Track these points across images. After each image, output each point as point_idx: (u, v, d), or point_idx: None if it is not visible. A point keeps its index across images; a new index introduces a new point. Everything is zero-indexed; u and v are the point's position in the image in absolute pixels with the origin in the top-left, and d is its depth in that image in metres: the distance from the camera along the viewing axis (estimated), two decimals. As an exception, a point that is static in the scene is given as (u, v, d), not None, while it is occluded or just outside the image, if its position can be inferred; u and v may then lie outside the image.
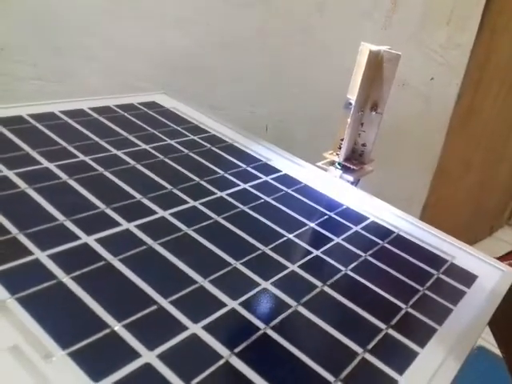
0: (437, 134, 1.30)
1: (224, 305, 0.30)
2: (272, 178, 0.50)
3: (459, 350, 0.31)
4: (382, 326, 0.32)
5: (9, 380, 0.23)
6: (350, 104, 0.51)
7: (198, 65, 0.74)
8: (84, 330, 0.26)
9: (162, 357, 0.26)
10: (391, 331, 0.31)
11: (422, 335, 0.32)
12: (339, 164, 0.53)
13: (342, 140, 0.53)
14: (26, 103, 0.52)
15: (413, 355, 0.29)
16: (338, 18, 0.84)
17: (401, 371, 0.27)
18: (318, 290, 0.34)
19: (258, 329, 0.29)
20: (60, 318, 0.27)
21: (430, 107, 1.19)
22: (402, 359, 0.28)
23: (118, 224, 0.36)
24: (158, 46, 0.69)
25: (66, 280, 0.30)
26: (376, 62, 0.49)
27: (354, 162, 0.53)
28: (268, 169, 0.52)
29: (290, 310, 0.31)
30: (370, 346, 0.29)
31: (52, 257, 0.31)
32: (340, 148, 0.53)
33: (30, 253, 0.31)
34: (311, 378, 0.26)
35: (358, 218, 0.46)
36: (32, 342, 0.25)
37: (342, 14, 0.84)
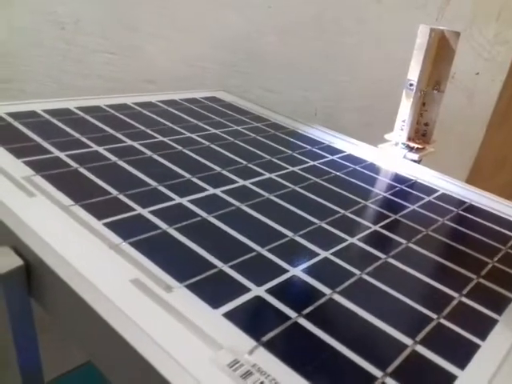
0: (477, 131, 1.29)
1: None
2: (338, 157, 0.51)
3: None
4: (455, 294, 0.32)
5: (137, 306, 0.24)
6: (412, 84, 0.52)
7: (256, 47, 0.76)
8: (195, 268, 0.28)
9: (270, 291, 0.27)
10: (464, 300, 0.32)
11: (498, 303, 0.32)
12: (403, 144, 0.54)
13: (404, 121, 0.54)
14: (105, 96, 0.55)
15: (474, 348, 0.26)
16: (393, 8, 0.86)
17: (461, 365, 0.24)
18: (403, 246, 0.35)
19: (338, 305, 0.30)
20: (171, 258, 0.29)
21: (473, 102, 1.19)
22: (460, 351, 0.25)
23: (205, 189, 0.38)
24: (219, 26, 0.71)
25: (170, 230, 0.31)
26: (436, 41, 0.50)
27: (418, 141, 0.54)
28: (332, 150, 0.53)
29: (354, 278, 0.32)
30: (420, 338, 0.29)
31: (153, 212, 0.33)
32: (402, 129, 0.54)
33: (133, 209, 0.33)
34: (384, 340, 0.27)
35: (428, 190, 0.47)
36: (151, 277, 0.27)
37: (397, 5, 0.86)
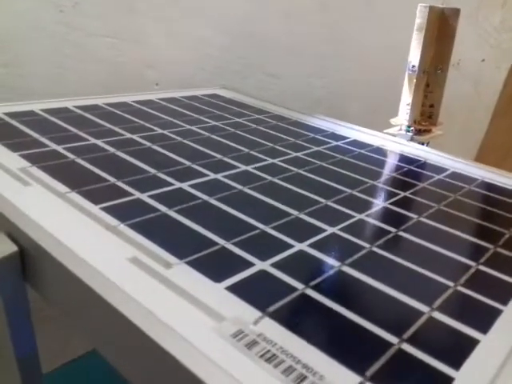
0: (482, 118, 1.27)
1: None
2: (343, 143, 0.50)
3: None
4: (472, 263, 0.31)
5: (135, 282, 0.23)
6: (414, 66, 0.51)
7: (260, 32, 0.75)
8: (196, 246, 0.27)
9: (275, 265, 0.26)
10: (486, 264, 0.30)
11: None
12: (408, 127, 0.53)
13: (408, 104, 0.53)
14: (101, 95, 0.54)
15: (496, 313, 0.24)
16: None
17: (483, 330, 0.22)
18: (414, 220, 0.34)
19: (331, 266, 0.29)
20: (170, 237, 0.27)
21: (478, 90, 1.17)
22: (480, 316, 0.23)
23: (205, 175, 0.37)
24: (222, 10, 0.70)
25: (170, 212, 0.30)
26: (436, 20, 0.49)
27: (424, 123, 0.53)
28: (336, 136, 0.52)
29: (363, 251, 0.30)
30: (437, 305, 0.27)
31: (152, 197, 0.32)
32: (407, 113, 0.53)
33: (131, 194, 0.32)
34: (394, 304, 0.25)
35: (438, 169, 0.45)
36: (149, 255, 0.25)
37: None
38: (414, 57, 0.51)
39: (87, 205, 0.30)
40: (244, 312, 0.22)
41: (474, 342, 0.22)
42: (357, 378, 0.19)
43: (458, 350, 0.21)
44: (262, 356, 0.19)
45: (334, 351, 0.20)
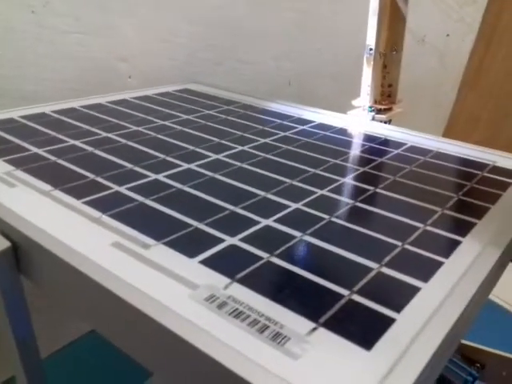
0: (450, 91, 1.31)
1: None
2: (308, 127, 0.53)
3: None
4: (420, 224, 0.34)
5: (118, 263, 0.26)
6: (371, 49, 0.54)
7: (228, 19, 0.77)
8: (171, 228, 0.30)
9: (244, 240, 0.29)
10: (429, 228, 0.34)
11: (461, 228, 0.34)
12: (370, 107, 0.56)
13: (369, 85, 0.56)
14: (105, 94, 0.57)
15: (437, 265, 0.27)
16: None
17: (425, 279, 0.26)
18: (371, 192, 0.37)
19: (293, 237, 0.32)
20: (147, 222, 0.30)
21: (444, 64, 1.21)
22: (423, 268, 0.27)
23: (179, 165, 0.40)
24: (193, 3, 0.72)
25: (147, 201, 0.33)
26: (388, 4, 0.52)
27: (384, 102, 0.56)
28: (302, 121, 0.55)
29: (323, 222, 0.34)
30: (386, 260, 0.31)
31: (130, 189, 0.35)
32: (368, 93, 0.56)
33: (110, 188, 0.35)
34: (348, 265, 0.29)
35: (397, 145, 0.49)
36: (129, 239, 0.28)
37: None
38: (371, 40, 0.54)
39: (70, 200, 0.33)
40: (215, 280, 0.25)
41: (415, 290, 0.25)
42: (311, 325, 0.22)
43: (400, 297, 0.24)
44: (230, 313, 0.22)
45: (293, 305, 0.23)
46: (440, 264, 0.28)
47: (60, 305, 0.29)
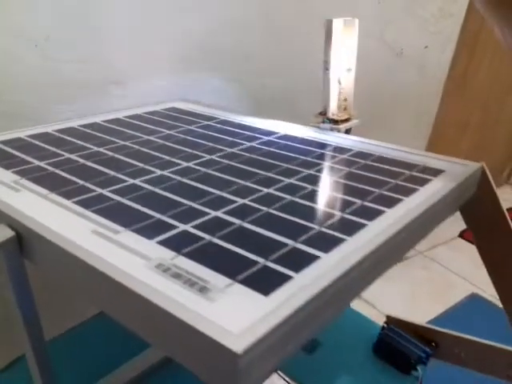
0: (432, 100, 1.38)
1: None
2: (273, 137, 0.61)
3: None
4: (338, 212, 0.42)
5: (95, 244, 0.34)
6: (327, 69, 0.63)
7: (211, 44, 0.86)
8: (138, 219, 0.38)
9: (195, 226, 0.37)
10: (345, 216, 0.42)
11: (373, 214, 0.42)
12: (328, 119, 0.64)
13: (326, 99, 0.64)
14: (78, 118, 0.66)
15: (340, 241, 0.38)
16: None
17: (326, 251, 0.33)
18: (309, 189, 0.45)
19: (233, 223, 0.40)
20: (121, 215, 0.39)
21: (424, 74, 1.29)
22: (329, 244, 0.34)
23: (154, 172, 0.48)
24: (178, 30, 0.81)
25: (123, 200, 0.42)
26: (340, 29, 0.61)
27: (340, 115, 0.64)
28: (270, 132, 0.63)
29: (262, 212, 0.42)
30: (302, 239, 0.38)
31: (111, 191, 0.44)
32: (326, 107, 0.64)
33: (95, 191, 0.44)
34: (270, 244, 0.37)
35: (344, 150, 0.57)
36: (104, 228, 0.37)
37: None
38: (326, 59, 0.63)
39: (63, 201, 0.42)
40: (166, 254, 0.33)
41: (316, 258, 0.33)
42: (230, 281, 0.30)
43: (303, 263, 0.32)
44: (172, 275, 0.31)
45: (220, 269, 0.31)
46: (343, 240, 0.35)
47: (58, 283, 0.37)
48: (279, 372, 0.61)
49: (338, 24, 0.61)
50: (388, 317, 0.69)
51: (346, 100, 0.64)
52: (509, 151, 2.37)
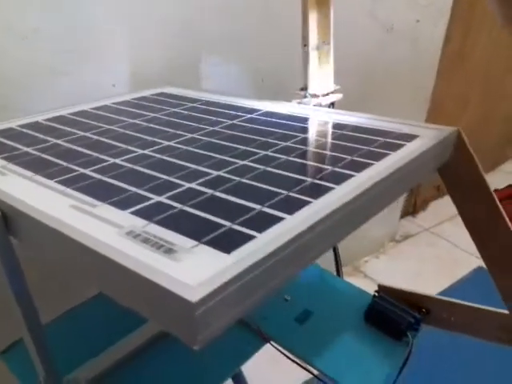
0: (426, 74, 1.38)
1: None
2: (256, 114, 0.63)
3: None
4: (308, 179, 0.43)
5: (74, 218, 0.36)
6: (305, 45, 0.64)
7: (199, 30, 0.88)
8: (115, 193, 0.40)
9: (168, 197, 0.39)
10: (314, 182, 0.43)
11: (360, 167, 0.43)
12: (310, 94, 0.65)
13: (307, 75, 0.65)
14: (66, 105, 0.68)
15: (306, 204, 0.40)
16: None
17: (290, 213, 0.35)
18: (283, 159, 0.47)
19: (205, 193, 0.42)
20: (100, 192, 0.41)
21: (417, 48, 1.28)
22: (294, 207, 0.36)
23: (135, 152, 0.50)
24: (164, 18, 0.83)
25: (104, 178, 0.44)
26: (314, 3, 0.62)
27: (321, 89, 0.65)
28: (253, 110, 0.65)
29: (234, 182, 0.43)
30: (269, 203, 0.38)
31: (93, 170, 0.46)
32: (307, 83, 0.65)
33: (77, 170, 0.46)
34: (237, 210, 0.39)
35: (323, 123, 0.58)
36: (83, 202, 0.39)
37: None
38: (303, 35, 0.64)
39: (46, 181, 0.44)
40: (138, 223, 0.35)
41: (280, 220, 0.35)
42: (195, 243, 0.32)
43: (267, 224, 0.34)
44: (142, 241, 0.33)
45: (187, 233, 0.33)
46: (308, 203, 0.37)
47: (51, 268, 0.40)
48: (272, 342, 0.63)
49: (313, -1, 0.62)
50: (380, 285, 0.70)
51: (326, 74, 0.65)
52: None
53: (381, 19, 1.16)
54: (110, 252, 0.31)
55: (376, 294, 0.69)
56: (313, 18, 0.62)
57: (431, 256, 1.76)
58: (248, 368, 0.85)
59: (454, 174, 0.54)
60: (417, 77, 1.34)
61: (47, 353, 0.50)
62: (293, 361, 0.62)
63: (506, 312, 0.59)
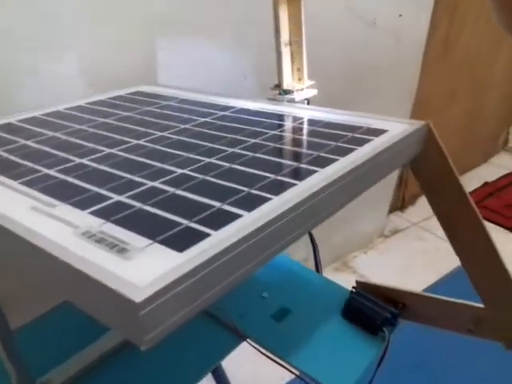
0: (410, 68, 1.38)
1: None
2: (229, 112, 0.62)
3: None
4: (271, 175, 0.43)
5: (34, 219, 0.36)
6: (278, 39, 0.63)
7: (178, 22, 0.88)
8: (77, 194, 0.40)
9: (129, 197, 0.39)
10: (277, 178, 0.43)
11: (326, 162, 0.43)
12: (283, 91, 0.65)
13: (280, 71, 0.65)
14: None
15: (265, 200, 0.39)
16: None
17: (249, 210, 0.35)
18: (249, 156, 0.46)
19: (167, 191, 0.42)
20: (62, 192, 0.40)
21: (400, 42, 1.28)
22: (254, 204, 0.36)
23: (103, 151, 0.50)
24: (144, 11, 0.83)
25: (68, 178, 0.43)
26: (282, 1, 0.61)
27: (294, 85, 0.65)
28: (226, 108, 0.64)
29: (198, 180, 0.43)
30: (229, 200, 0.38)
31: (57, 171, 0.45)
32: (281, 78, 0.65)
33: (41, 171, 0.45)
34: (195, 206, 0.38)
35: (295, 119, 0.58)
36: (44, 203, 0.38)
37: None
38: (276, 31, 0.63)
39: (10, 182, 0.43)
40: (95, 222, 0.35)
41: (238, 217, 0.34)
42: (149, 241, 0.32)
43: (224, 221, 0.34)
44: (97, 241, 0.32)
45: (143, 231, 0.33)
46: (268, 200, 0.37)
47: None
48: (248, 340, 0.63)
49: (283, -5, 0.62)
50: (357, 281, 0.70)
51: (299, 70, 0.65)
52: (502, 117, 2.36)
53: (362, 14, 1.16)
54: (61, 253, 0.31)
55: (353, 290, 0.69)
56: (283, 14, 0.61)
57: (420, 250, 1.76)
58: (231, 366, 0.85)
59: (425, 168, 0.54)
60: (401, 71, 1.34)
61: (18, 357, 0.50)
62: (271, 359, 0.61)
63: (481, 305, 0.60)
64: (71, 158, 0.48)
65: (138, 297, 0.26)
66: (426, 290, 1.50)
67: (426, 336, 1.14)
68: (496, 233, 1.83)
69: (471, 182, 2.14)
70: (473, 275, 0.57)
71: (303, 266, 0.77)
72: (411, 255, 1.74)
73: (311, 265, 0.84)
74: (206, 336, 0.61)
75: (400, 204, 1.96)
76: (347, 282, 0.74)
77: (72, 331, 0.64)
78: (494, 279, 0.56)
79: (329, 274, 1.60)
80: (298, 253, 1.21)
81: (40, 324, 0.63)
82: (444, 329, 0.64)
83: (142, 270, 0.29)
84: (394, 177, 1.66)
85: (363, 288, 0.69)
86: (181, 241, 0.32)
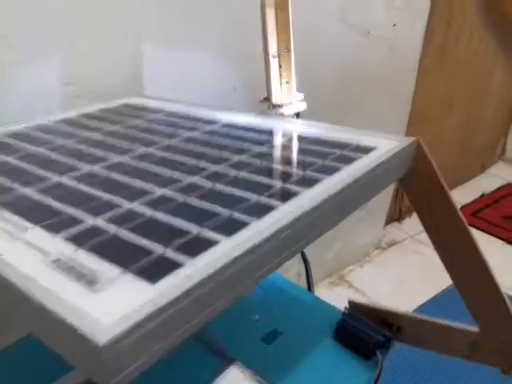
0: (406, 77, 1.37)
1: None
2: (217, 126, 0.61)
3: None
4: (254, 196, 0.42)
5: (10, 247, 0.34)
6: (267, 52, 0.62)
7: (167, 32, 0.87)
8: (50, 216, 0.38)
9: (105, 220, 0.37)
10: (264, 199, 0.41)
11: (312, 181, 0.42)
12: (273, 105, 0.63)
13: (269, 84, 0.63)
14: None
15: (244, 225, 0.36)
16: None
17: (229, 235, 0.33)
18: (232, 176, 0.45)
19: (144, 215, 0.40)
20: (33, 213, 0.39)
21: (395, 52, 1.27)
22: (233, 228, 0.34)
23: (82, 169, 0.48)
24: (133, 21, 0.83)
25: (45, 199, 0.42)
26: (272, 12, 0.60)
27: (283, 99, 0.63)
28: (214, 121, 0.63)
29: (179, 202, 0.41)
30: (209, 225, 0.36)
31: (37, 190, 0.43)
32: (269, 92, 0.64)
33: (16, 189, 0.43)
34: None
35: (283, 135, 0.56)
36: (15, 226, 0.37)
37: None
38: (264, 43, 0.62)
39: (-17, 202, 0.41)
40: (68, 249, 0.33)
41: (215, 243, 0.33)
42: (121, 271, 0.30)
43: (200, 248, 0.32)
44: (65, 269, 0.30)
45: (116, 259, 0.31)
46: (247, 224, 0.35)
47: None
48: (238, 363, 0.61)
49: (267, 6, 0.60)
50: (349, 302, 0.68)
51: (288, 83, 0.63)
52: (499, 127, 2.35)
53: (355, 25, 1.15)
54: (26, 284, 0.29)
55: (345, 312, 0.67)
56: (271, 26, 0.60)
57: (416, 263, 1.74)
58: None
59: (415, 185, 0.52)
60: (396, 81, 1.33)
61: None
62: None
63: (476, 330, 0.58)
64: (49, 176, 0.47)
65: (101, 337, 0.24)
66: (423, 304, 1.47)
67: (422, 359, 1.12)
68: (493, 244, 1.81)
69: (468, 192, 2.13)
70: (465, 296, 0.55)
71: (295, 285, 0.75)
72: (408, 268, 1.72)
73: (305, 280, 0.83)
74: (191, 360, 0.59)
75: (397, 215, 1.94)
76: (343, 296, 0.72)
77: (38, 365, 0.61)
78: (487, 300, 0.54)
79: (324, 288, 1.59)
80: (292, 268, 1.20)
81: (2, 357, 0.60)
82: (440, 353, 0.62)
83: (110, 304, 0.27)
84: (389, 189, 1.65)
85: (356, 309, 0.67)
86: (155, 271, 0.30)
